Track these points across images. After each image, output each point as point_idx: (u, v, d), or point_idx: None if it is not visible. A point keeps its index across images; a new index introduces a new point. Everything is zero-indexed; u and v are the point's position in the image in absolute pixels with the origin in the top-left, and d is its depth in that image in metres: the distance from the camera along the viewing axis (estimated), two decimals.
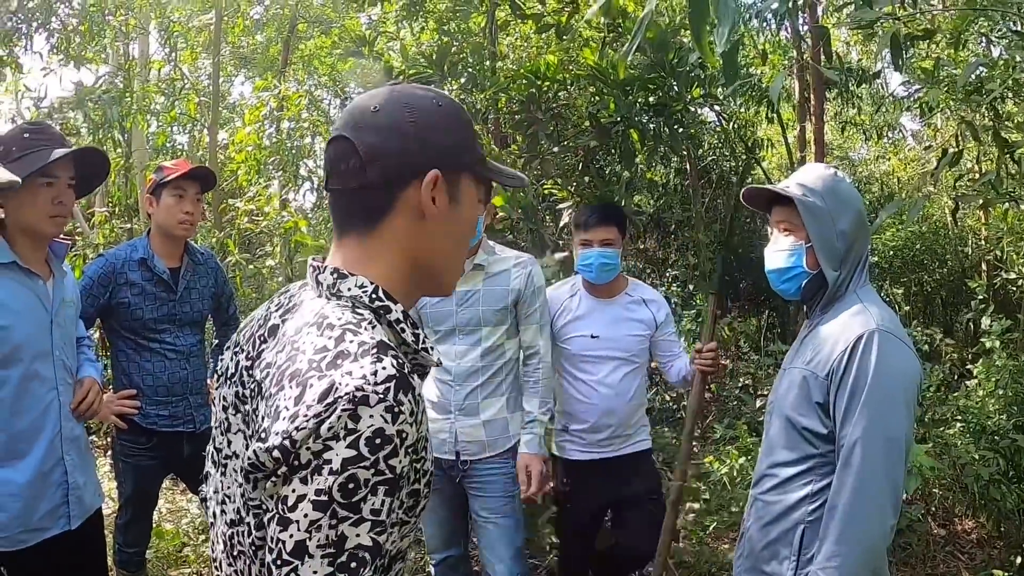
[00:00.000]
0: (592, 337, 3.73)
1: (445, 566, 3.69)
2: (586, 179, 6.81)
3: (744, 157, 11.08)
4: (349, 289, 1.34)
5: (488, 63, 6.17)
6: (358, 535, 1.12)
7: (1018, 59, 3.97)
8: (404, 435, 1.17)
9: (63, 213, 2.84)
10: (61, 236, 2.96)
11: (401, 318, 1.36)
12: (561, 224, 7.05)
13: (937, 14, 4.27)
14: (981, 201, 5.35)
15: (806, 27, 5.90)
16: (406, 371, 1.21)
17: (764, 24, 7.70)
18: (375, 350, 1.21)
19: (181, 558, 4.92)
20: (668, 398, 7.47)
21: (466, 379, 3.51)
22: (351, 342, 1.23)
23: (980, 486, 4.78)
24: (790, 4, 3.15)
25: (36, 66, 8.84)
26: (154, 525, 5.13)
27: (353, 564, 1.12)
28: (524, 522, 3.69)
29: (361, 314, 1.31)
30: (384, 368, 1.18)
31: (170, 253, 3.82)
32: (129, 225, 7.36)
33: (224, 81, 11.24)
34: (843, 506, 2.13)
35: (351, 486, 1.12)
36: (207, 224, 7.73)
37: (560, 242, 6.33)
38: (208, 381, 4.02)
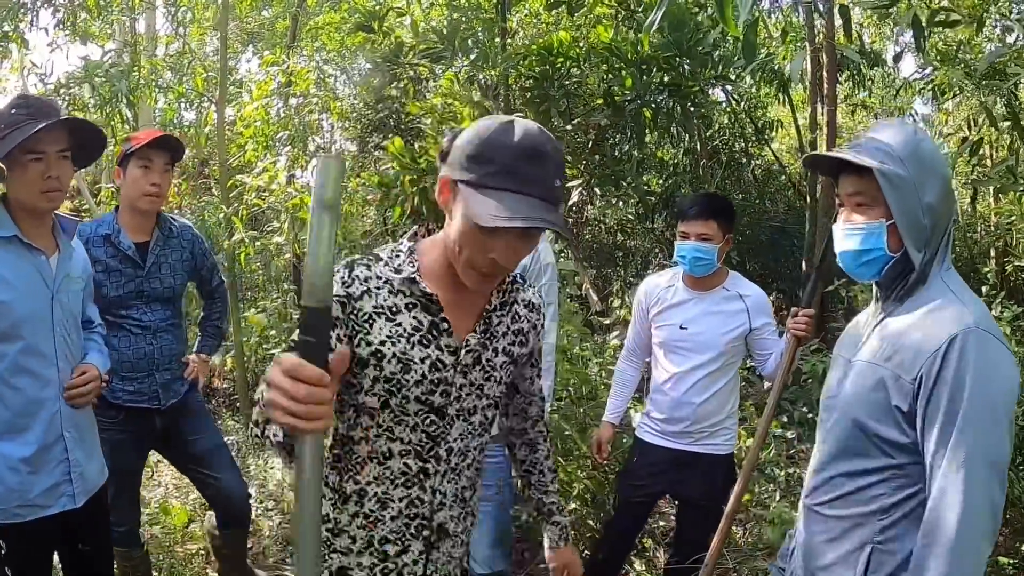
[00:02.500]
0: (681, 328, 3.65)
1: None
2: (596, 157, 6.77)
3: (754, 138, 11.07)
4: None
5: (498, 39, 6.12)
6: None
7: None
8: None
9: (56, 187, 2.73)
10: (70, 212, 2.90)
11: (403, 251, 1.96)
12: (571, 202, 7.02)
13: None
14: (998, 186, 5.29)
15: (823, 6, 5.82)
16: (358, 263, 1.93)
17: (777, 4, 7.63)
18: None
19: (188, 534, 4.90)
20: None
21: None
22: None
23: None
24: None
25: (42, 42, 8.79)
26: (160, 501, 5.12)
27: None
28: (510, 514, 3.65)
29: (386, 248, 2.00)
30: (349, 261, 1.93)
31: (139, 227, 3.66)
32: None
33: (231, 57, 11.17)
34: (944, 544, 1.79)
35: None
36: (215, 200, 7.68)
37: (570, 219, 6.30)
38: (190, 356, 3.94)
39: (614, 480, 4.41)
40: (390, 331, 1.88)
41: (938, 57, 7.00)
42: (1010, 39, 6.75)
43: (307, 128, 6.83)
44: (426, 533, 2.02)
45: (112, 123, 6.50)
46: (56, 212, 2.89)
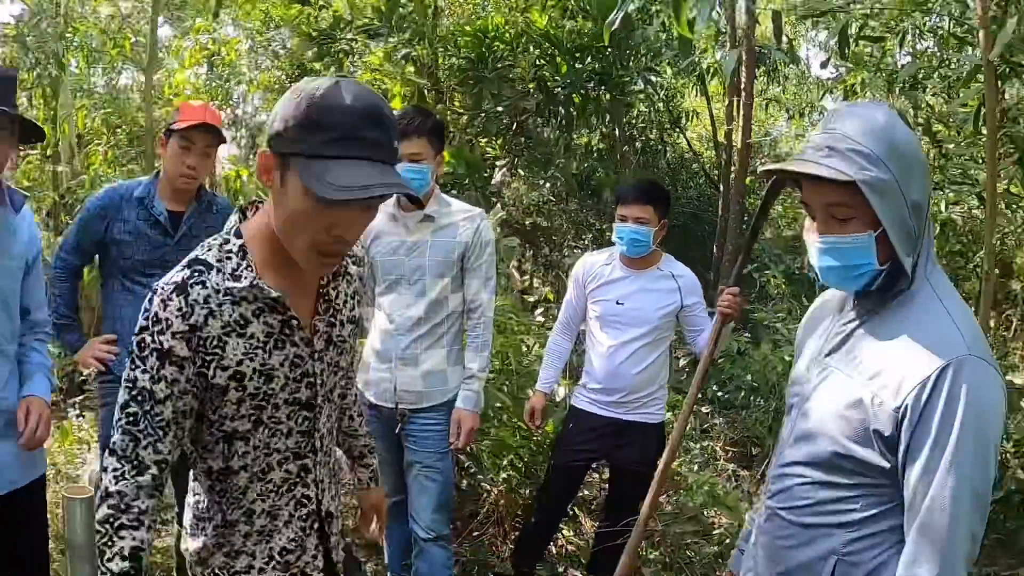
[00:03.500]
0: (617, 303, 3.85)
1: (395, 510, 3.79)
2: (522, 139, 6.93)
3: (668, 127, 11.36)
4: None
5: (431, 17, 6.21)
6: (142, 379, 1.68)
7: (946, 55, 4.20)
8: (168, 322, 1.66)
9: None
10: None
11: (233, 251, 1.75)
12: (495, 180, 7.17)
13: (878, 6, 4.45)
14: None
15: (748, 5, 6.08)
16: (191, 282, 1.69)
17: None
18: (185, 266, 1.73)
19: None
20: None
21: (409, 329, 3.57)
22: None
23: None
24: None
25: None
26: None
27: (139, 397, 1.69)
28: (451, 480, 3.80)
29: (212, 248, 1.78)
30: (174, 279, 1.69)
31: (176, 197, 3.58)
32: (57, 168, 7.16)
33: (144, 21, 10.93)
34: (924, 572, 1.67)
35: (140, 345, 1.69)
36: (140, 169, 7.56)
37: (494, 199, 6.45)
38: None
39: (548, 448, 4.59)
40: (245, 347, 1.73)
41: (852, 59, 7.34)
42: (921, 45, 7.13)
43: (232, 97, 6.83)
44: (316, 525, 1.99)
45: (41, 85, 6.33)
46: (9, 185, 2.70)
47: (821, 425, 1.86)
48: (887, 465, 1.74)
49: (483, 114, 5.72)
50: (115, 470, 1.70)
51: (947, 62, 4.74)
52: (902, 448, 1.71)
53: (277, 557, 1.93)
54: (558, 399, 4.78)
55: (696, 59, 7.76)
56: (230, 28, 8.85)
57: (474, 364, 3.57)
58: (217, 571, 1.91)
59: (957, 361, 1.65)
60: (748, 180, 9.19)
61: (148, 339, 1.67)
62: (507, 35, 5.63)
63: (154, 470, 1.71)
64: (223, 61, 6.94)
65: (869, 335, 1.83)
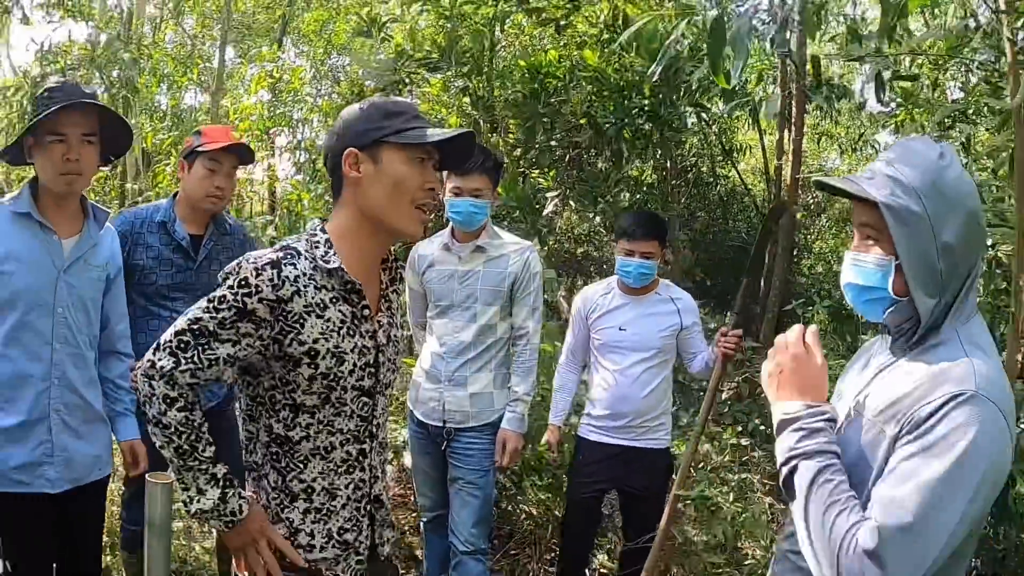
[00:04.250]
0: (620, 329, 3.98)
1: (435, 523, 3.98)
2: (574, 172, 7.11)
3: (721, 159, 11.46)
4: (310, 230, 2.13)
5: (488, 52, 6.42)
6: (208, 322, 1.93)
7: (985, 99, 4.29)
8: (259, 288, 1.92)
9: (74, 171, 2.76)
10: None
11: (321, 242, 2.05)
12: (546, 212, 7.35)
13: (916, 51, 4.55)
14: None
15: (793, 49, 6.22)
16: (284, 261, 1.97)
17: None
18: (278, 250, 2.03)
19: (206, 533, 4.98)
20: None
21: (458, 353, 3.77)
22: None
23: None
24: (787, 34, 3.40)
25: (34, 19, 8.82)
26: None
27: (198, 332, 1.93)
28: (492, 497, 3.95)
29: (300, 240, 2.08)
30: (268, 256, 1.98)
31: (195, 219, 3.63)
32: (124, 184, 7.47)
33: (211, 46, 11.31)
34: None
35: (219, 299, 1.94)
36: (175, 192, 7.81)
37: (544, 228, 6.64)
38: None
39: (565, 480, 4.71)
40: (322, 328, 1.99)
41: (901, 95, 7.42)
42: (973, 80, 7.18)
43: (295, 123, 7.09)
44: (369, 509, 2.20)
45: (114, 106, 6.67)
46: (88, 200, 2.94)
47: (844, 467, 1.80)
48: None
49: (536, 147, 5.90)
50: (148, 389, 1.96)
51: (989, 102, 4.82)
52: (887, 465, 1.67)
53: (336, 537, 2.13)
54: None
55: (746, 94, 7.87)
56: (291, 53, 9.18)
57: (520, 387, 3.76)
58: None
59: (963, 395, 1.62)
60: (800, 215, 9.28)
61: (230, 296, 1.93)
62: (560, 71, 5.82)
63: (184, 391, 1.96)
64: (287, 87, 7.21)
65: (891, 383, 1.79)
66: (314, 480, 2.09)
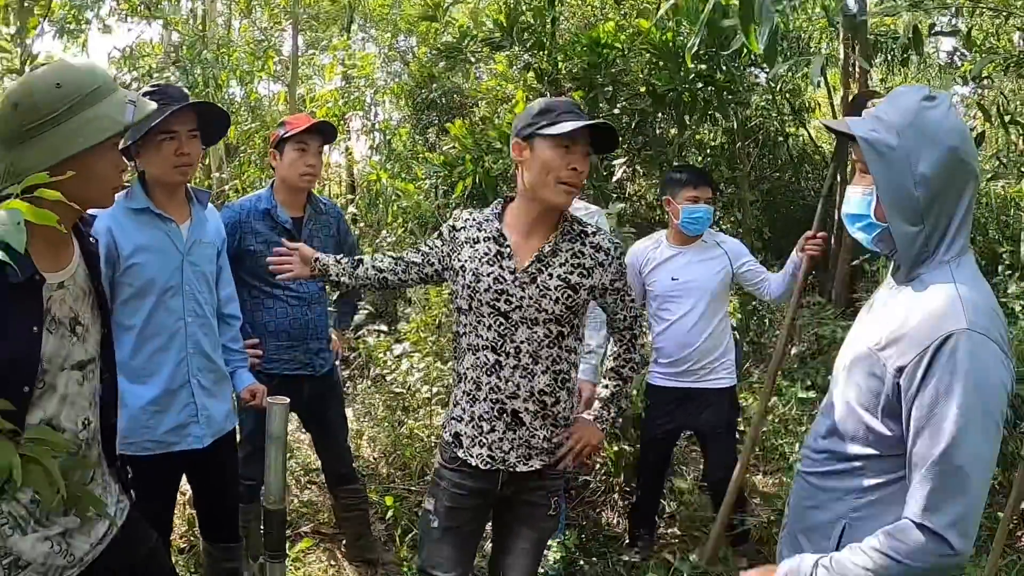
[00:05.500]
0: (673, 279, 4.24)
1: None
2: (640, 138, 7.28)
3: (790, 118, 11.44)
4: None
5: (549, 27, 6.62)
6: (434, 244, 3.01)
7: None
8: (451, 222, 2.94)
9: (187, 163, 3.07)
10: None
11: (494, 205, 2.89)
12: (615, 178, 7.55)
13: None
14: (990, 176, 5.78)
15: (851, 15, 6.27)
16: (465, 213, 2.93)
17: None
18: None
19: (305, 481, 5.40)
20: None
21: None
22: None
23: None
24: None
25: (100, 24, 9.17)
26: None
27: (416, 252, 3.03)
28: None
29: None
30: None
31: (293, 203, 3.96)
32: (211, 175, 7.84)
33: (277, 37, 11.67)
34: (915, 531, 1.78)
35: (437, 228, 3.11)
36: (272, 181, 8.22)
37: (614, 194, 6.84)
38: (332, 330, 4.21)
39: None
40: (470, 254, 2.77)
41: (968, 46, 7.38)
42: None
43: (368, 106, 7.37)
44: (505, 417, 2.76)
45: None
46: (189, 184, 3.23)
47: (846, 393, 2.03)
48: (891, 434, 1.90)
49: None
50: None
51: None
52: (904, 417, 1.84)
53: (476, 420, 2.80)
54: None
55: (806, 52, 7.93)
56: (358, 38, 9.45)
57: (592, 340, 4.00)
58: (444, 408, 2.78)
59: (956, 334, 1.77)
60: None
61: (443, 226, 2.92)
62: (618, 42, 6.00)
63: (386, 272, 2.97)
64: (359, 73, 7.51)
65: (887, 312, 1.98)
66: (467, 369, 2.81)
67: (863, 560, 1.83)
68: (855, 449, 1.99)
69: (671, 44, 5.54)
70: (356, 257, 3.06)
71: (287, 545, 3.62)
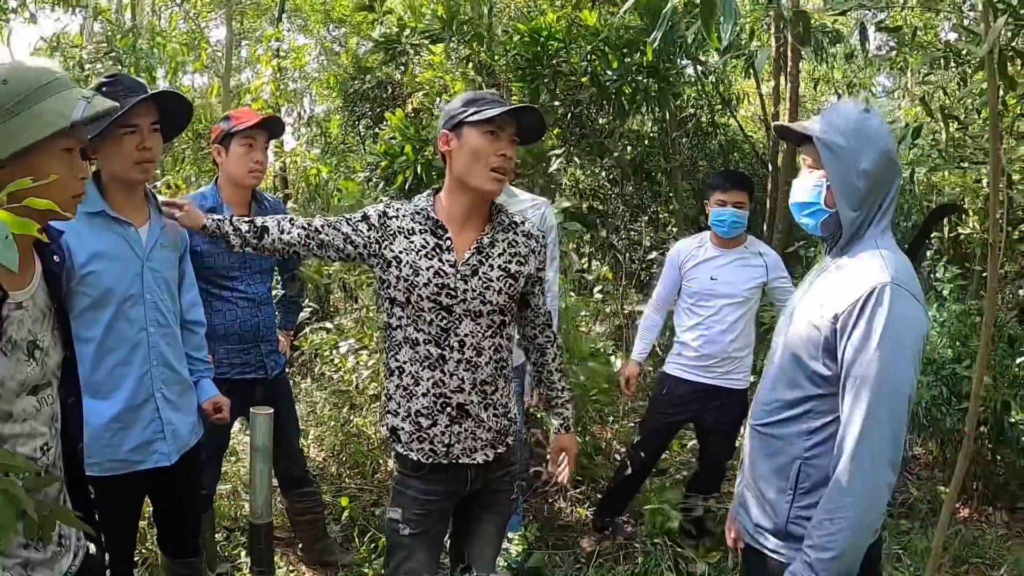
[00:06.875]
0: (711, 279, 4.38)
1: None
2: (578, 130, 7.30)
3: (720, 109, 11.61)
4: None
5: (487, 19, 6.58)
6: (341, 222, 2.90)
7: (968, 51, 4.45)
8: (379, 208, 2.86)
9: (149, 159, 2.86)
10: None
11: (427, 195, 2.82)
12: (551, 170, 7.57)
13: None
14: (929, 167, 5.98)
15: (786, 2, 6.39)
16: (395, 203, 2.82)
17: None
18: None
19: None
20: None
21: None
22: None
23: (924, 408, 5.41)
24: None
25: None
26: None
27: (330, 222, 2.89)
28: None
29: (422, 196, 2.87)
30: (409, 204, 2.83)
31: (239, 200, 3.85)
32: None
33: (205, 27, 11.41)
34: (848, 465, 2.14)
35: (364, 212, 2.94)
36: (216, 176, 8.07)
37: (552, 186, 6.86)
38: (279, 331, 4.13)
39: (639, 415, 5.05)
40: (405, 246, 2.72)
41: (897, 40, 7.55)
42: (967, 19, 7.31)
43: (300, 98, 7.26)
44: (449, 410, 2.73)
45: None
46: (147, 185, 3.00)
47: (789, 347, 2.39)
48: (830, 373, 2.25)
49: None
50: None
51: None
52: (840, 358, 2.21)
53: (412, 416, 2.75)
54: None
55: (740, 46, 8.04)
56: (287, 28, 9.27)
57: None
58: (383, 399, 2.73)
59: (882, 285, 2.16)
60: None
61: (369, 209, 2.82)
62: (559, 33, 6.01)
63: (296, 246, 2.84)
64: (293, 64, 7.39)
65: (825, 277, 2.39)
66: (403, 363, 2.75)
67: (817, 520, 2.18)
68: (800, 393, 2.33)
69: (620, 36, 5.57)
70: (261, 224, 2.86)
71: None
